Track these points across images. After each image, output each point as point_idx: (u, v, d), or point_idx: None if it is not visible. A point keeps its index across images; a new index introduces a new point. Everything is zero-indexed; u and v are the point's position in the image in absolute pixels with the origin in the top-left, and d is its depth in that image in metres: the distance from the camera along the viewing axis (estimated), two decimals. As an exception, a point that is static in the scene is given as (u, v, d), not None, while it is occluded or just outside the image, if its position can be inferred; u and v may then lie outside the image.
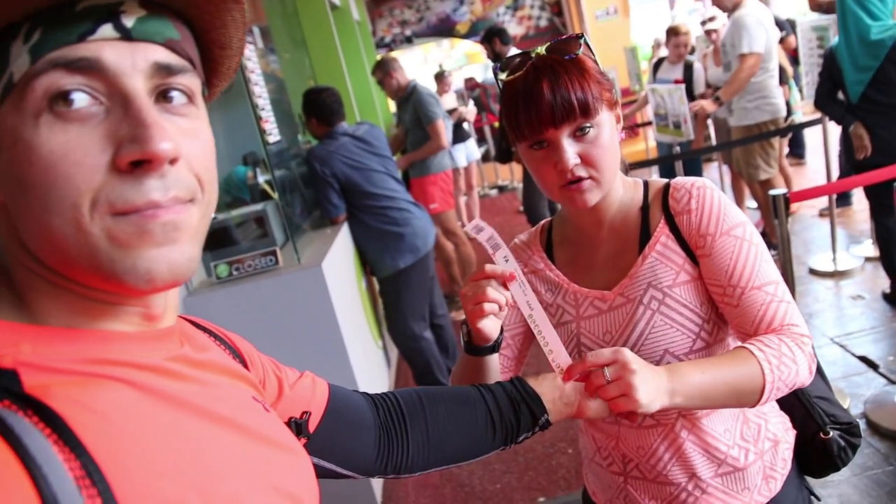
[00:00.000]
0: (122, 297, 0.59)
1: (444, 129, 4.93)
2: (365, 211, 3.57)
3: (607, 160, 1.12)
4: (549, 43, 1.13)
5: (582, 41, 1.12)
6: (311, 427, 0.89)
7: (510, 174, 9.78)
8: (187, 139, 0.57)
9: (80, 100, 0.52)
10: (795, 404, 1.29)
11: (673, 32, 5.62)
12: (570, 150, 1.09)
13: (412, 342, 3.70)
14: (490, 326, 1.08)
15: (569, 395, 1.05)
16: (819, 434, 1.26)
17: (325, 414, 0.91)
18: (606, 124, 1.12)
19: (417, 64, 13.98)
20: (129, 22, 0.54)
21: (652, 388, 0.97)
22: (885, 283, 3.96)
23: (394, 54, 9.82)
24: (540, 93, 1.08)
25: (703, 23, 6.43)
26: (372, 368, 3.50)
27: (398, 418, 0.99)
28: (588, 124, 1.09)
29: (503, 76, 1.14)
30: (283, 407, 0.86)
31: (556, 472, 3.07)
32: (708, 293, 1.18)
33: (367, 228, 3.60)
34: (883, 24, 3.39)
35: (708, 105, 4.81)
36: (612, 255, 1.24)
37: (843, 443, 1.26)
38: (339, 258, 3.19)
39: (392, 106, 6.44)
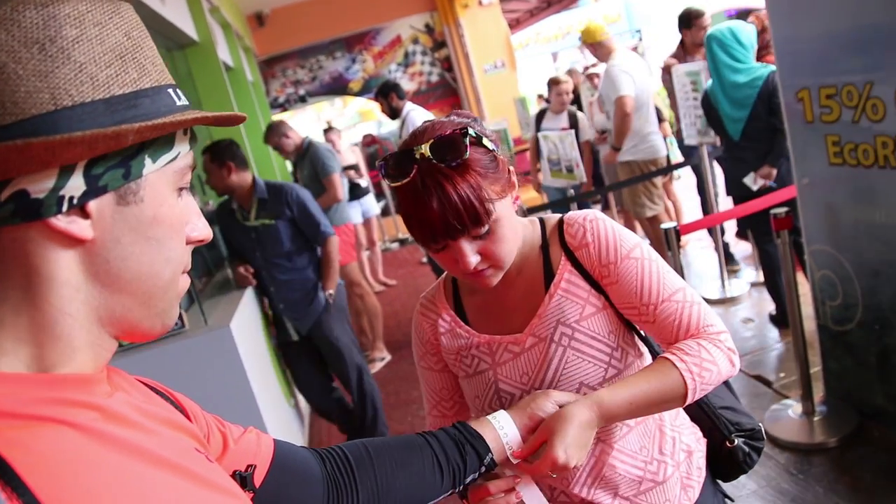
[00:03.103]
0: (114, 343, 0.67)
1: (340, 182, 5.03)
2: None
3: (508, 249, 1.15)
4: (431, 140, 1.08)
5: (467, 139, 1.08)
6: (257, 481, 0.89)
7: (410, 227, 9.86)
8: None
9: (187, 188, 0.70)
10: (702, 416, 1.37)
11: (554, 83, 5.84)
12: (470, 252, 1.11)
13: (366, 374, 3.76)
14: None
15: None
16: (725, 443, 1.34)
17: (271, 468, 0.92)
18: (503, 215, 1.13)
19: (310, 122, 14.04)
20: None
21: (579, 449, 1.07)
22: (770, 306, 4.23)
23: (287, 114, 9.86)
24: (431, 210, 1.06)
25: (586, 68, 6.80)
26: (286, 427, 3.43)
27: (346, 469, 1.00)
28: (484, 229, 1.11)
29: (388, 181, 1.11)
30: (228, 461, 0.86)
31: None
32: (616, 321, 1.24)
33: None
34: (747, 67, 3.70)
35: (609, 156, 5.11)
36: (520, 296, 1.27)
37: (747, 449, 1.34)
38: (246, 318, 3.14)
39: (289, 165, 6.45)
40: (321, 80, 9.10)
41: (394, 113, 5.27)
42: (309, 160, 4.94)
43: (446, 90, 9.31)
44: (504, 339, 1.26)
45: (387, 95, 5.20)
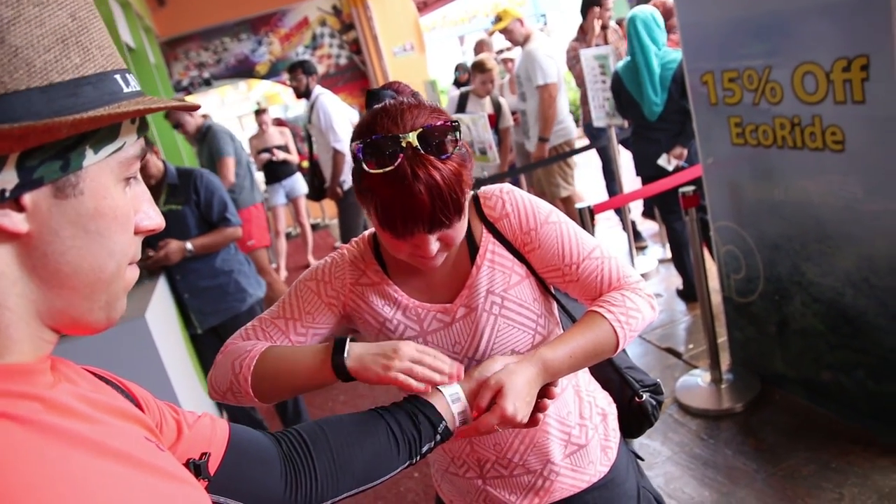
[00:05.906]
0: (57, 335, 0.65)
1: (232, 166, 5.15)
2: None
3: (461, 234, 1.17)
4: (420, 130, 1.06)
5: (458, 133, 1.09)
6: (212, 468, 0.88)
7: (321, 212, 9.77)
8: None
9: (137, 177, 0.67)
10: (612, 377, 1.46)
11: (479, 69, 5.65)
12: (434, 243, 1.14)
13: None
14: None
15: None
16: (634, 399, 1.44)
17: (227, 452, 0.92)
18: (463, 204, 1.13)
19: (215, 107, 13.61)
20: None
21: (526, 404, 1.12)
22: (677, 281, 4.42)
23: (191, 97, 9.53)
24: (419, 203, 1.05)
25: (500, 52, 6.79)
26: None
27: (302, 448, 1.00)
28: (459, 220, 1.13)
29: (369, 167, 1.06)
30: (183, 448, 0.85)
31: (405, 498, 3.10)
32: (538, 289, 1.30)
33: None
34: (665, 51, 3.84)
35: (539, 151, 5.10)
36: (447, 271, 1.29)
37: (654, 402, 1.45)
38: (161, 309, 3.05)
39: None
40: (226, 63, 8.83)
41: (307, 93, 5.25)
42: (207, 144, 5.11)
43: (355, 73, 9.21)
44: (433, 307, 1.28)
45: (294, 70, 5.32)
